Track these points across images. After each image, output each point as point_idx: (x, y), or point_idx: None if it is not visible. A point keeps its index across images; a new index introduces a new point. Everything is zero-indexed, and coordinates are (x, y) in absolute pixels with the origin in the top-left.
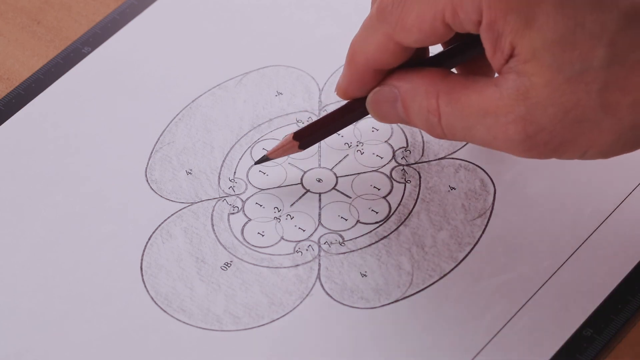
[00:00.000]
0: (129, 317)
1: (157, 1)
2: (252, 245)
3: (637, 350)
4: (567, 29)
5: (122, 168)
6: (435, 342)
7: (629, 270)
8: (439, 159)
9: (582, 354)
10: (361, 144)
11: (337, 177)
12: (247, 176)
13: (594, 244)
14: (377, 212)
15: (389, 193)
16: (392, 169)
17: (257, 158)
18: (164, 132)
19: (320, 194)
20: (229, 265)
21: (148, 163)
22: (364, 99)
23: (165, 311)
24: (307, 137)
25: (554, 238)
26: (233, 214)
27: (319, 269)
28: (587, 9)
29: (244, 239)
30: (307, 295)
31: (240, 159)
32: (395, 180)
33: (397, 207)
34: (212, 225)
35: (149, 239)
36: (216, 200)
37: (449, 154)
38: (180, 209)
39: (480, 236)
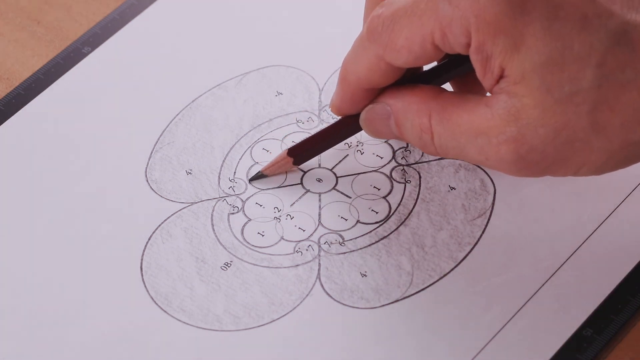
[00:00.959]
0: (129, 317)
1: (157, 1)
2: (252, 245)
3: (637, 350)
4: (556, 50)
5: (122, 168)
6: (435, 342)
7: (629, 270)
8: (439, 159)
9: (582, 354)
10: (361, 144)
11: (337, 177)
12: (247, 176)
13: (594, 244)
14: (377, 212)
15: (389, 193)
16: (392, 169)
17: (257, 158)
18: (164, 132)
19: (320, 194)
20: (229, 265)
21: (148, 163)
22: (357, 115)
23: (165, 311)
24: (301, 153)
25: (554, 238)
26: (233, 214)
27: (319, 269)
28: (575, 30)
29: (244, 239)
30: (307, 295)
31: (240, 159)
32: (395, 180)
33: (397, 207)
34: (212, 225)
35: (149, 239)
36: (216, 200)
37: None
38: (180, 209)
39: (480, 236)
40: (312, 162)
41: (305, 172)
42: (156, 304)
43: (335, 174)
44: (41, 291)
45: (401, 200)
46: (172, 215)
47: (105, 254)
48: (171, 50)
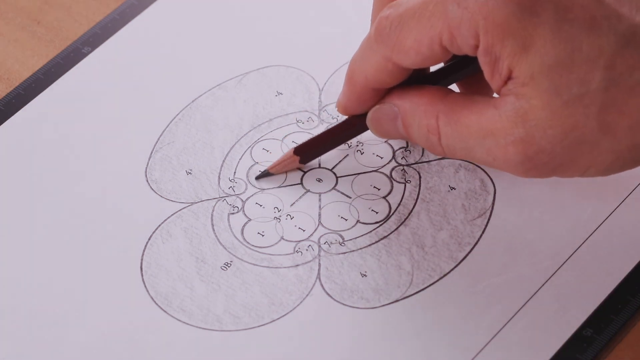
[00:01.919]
0: (129, 317)
1: (157, 1)
2: (252, 245)
3: (637, 350)
4: (565, 52)
5: (122, 168)
6: (435, 342)
7: (629, 270)
8: (439, 159)
9: (582, 354)
10: (361, 144)
11: (337, 177)
12: (247, 176)
13: (594, 244)
14: (377, 212)
15: (389, 193)
16: (392, 169)
17: (257, 158)
18: (164, 132)
19: (320, 194)
20: (229, 265)
21: (148, 163)
22: (364, 115)
23: (165, 311)
24: (307, 152)
25: (554, 238)
26: (233, 214)
27: (319, 269)
28: (584, 32)
29: (244, 239)
30: (307, 295)
31: (240, 159)
32: (395, 180)
33: (397, 207)
34: (212, 225)
35: (149, 239)
36: (216, 200)
37: None
38: (180, 209)
39: (480, 236)
40: (312, 162)
41: (305, 172)
42: (156, 304)
43: (335, 174)
44: (41, 291)
45: (401, 200)
46: (172, 215)
47: (105, 254)
48: (171, 50)
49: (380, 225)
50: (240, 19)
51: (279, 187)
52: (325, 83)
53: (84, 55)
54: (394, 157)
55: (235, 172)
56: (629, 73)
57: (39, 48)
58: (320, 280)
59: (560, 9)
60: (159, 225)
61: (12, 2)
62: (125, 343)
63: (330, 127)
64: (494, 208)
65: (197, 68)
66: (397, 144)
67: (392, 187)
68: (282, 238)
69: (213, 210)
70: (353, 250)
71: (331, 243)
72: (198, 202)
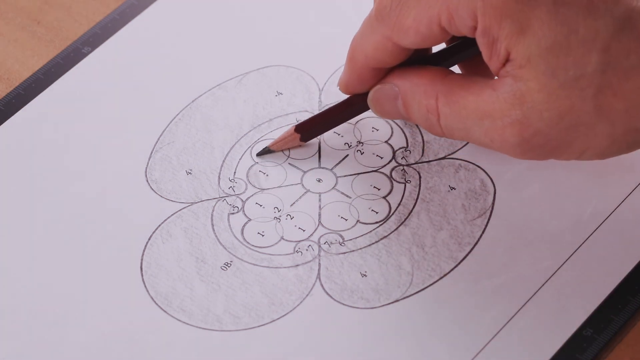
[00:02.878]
0: (129, 317)
1: (157, 1)
2: (252, 245)
3: (637, 350)
4: (561, 35)
5: (122, 168)
6: (435, 342)
7: (629, 270)
8: (439, 159)
9: (582, 354)
10: (361, 144)
11: (337, 177)
12: (247, 176)
13: (594, 244)
14: (377, 212)
15: (389, 193)
16: (392, 169)
17: (257, 158)
18: (164, 132)
19: (320, 194)
20: (229, 265)
21: (148, 163)
22: (365, 94)
23: (165, 311)
24: (308, 129)
25: (554, 238)
26: (233, 214)
27: (319, 269)
28: (581, 15)
29: (244, 239)
30: (307, 295)
31: (240, 159)
32: (395, 180)
33: (397, 207)
34: (212, 225)
35: (149, 239)
36: (216, 200)
37: (449, 154)
38: (180, 209)
39: (480, 236)
40: (312, 162)
41: (305, 172)
42: (156, 304)
43: (335, 174)
44: (41, 291)
45: (401, 200)
46: (172, 215)
47: (105, 254)
48: (171, 50)
49: (380, 225)
50: (240, 19)
51: (279, 187)
52: (325, 83)
53: (84, 55)
54: (394, 157)
55: (235, 172)
56: (625, 56)
57: (39, 48)
58: (320, 280)
59: None
60: (159, 225)
61: (12, 2)
62: (125, 343)
63: (331, 105)
64: (494, 208)
65: (197, 68)
66: (397, 143)
67: (392, 187)
68: (282, 238)
69: (213, 210)
70: (353, 250)
71: (331, 243)
72: (198, 202)
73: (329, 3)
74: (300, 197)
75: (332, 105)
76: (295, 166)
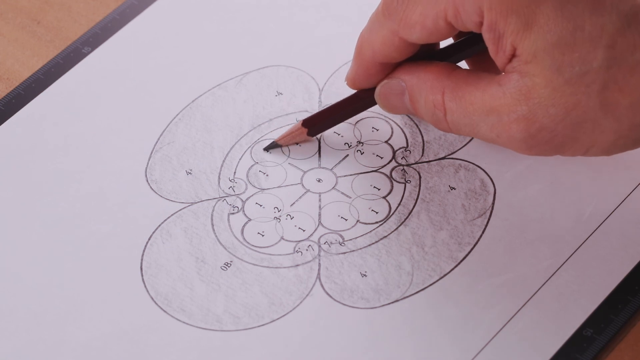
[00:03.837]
0: (129, 317)
1: (157, 1)
2: (252, 245)
3: (637, 350)
4: (567, 31)
5: (122, 168)
6: (435, 342)
7: (629, 270)
8: (439, 159)
9: (582, 354)
10: (361, 144)
11: (337, 177)
12: (247, 176)
13: (594, 244)
14: (377, 212)
15: (389, 193)
16: (392, 169)
17: (257, 158)
18: (164, 132)
19: (320, 194)
20: (229, 265)
21: (148, 163)
22: (372, 89)
23: (165, 311)
24: (315, 124)
25: (554, 238)
26: (233, 214)
27: (319, 269)
28: (587, 11)
29: (244, 239)
30: (307, 295)
31: (240, 159)
32: (395, 180)
33: (397, 207)
34: (212, 225)
35: (149, 239)
36: (216, 200)
37: (449, 154)
38: (180, 209)
39: (480, 236)
40: (312, 162)
41: (305, 172)
42: (156, 304)
43: (335, 174)
44: (41, 291)
45: (401, 200)
46: (172, 215)
47: (105, 254)
48: (171, 50)
49: (380, 225)
50: (240, 19)
51: (279, 187)
52: (325, 83)
53: (84, 55)
54: (394, 157)
55: (235, 172)
56: (631, 52)
57: (39, 48)
58: (320, 280)
59: None
60: (159, 225)
61: (12, 2)
62: (125, 343)
63: (339, 100)
64: (494, 208)
65: (197, 68)
66: (397, 143)
67: (392, 187)
68: (282, 238)
69: (213, 210)
70: (353, 250)
71: (331, 243)
72: (198, 202)
73: (329, 3)
74: (300, 197)
75: (339, 100)
76: (295, 166)
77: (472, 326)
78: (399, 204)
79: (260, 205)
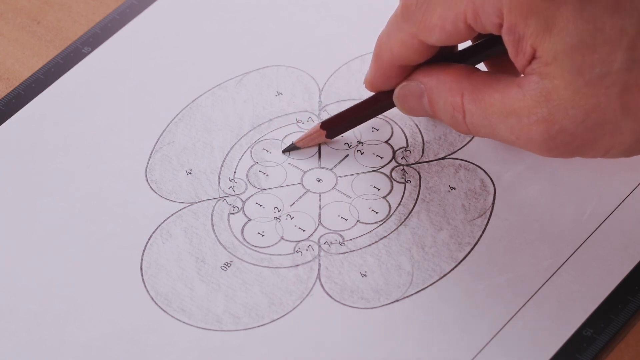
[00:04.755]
0: (129, 317)
1: (157, 1)
2: (252, 245)
3: (637, 350)
4: (587, 33)
5: (122, 168)
6: (435, 342)
7: (629, 270)
8: (439, 159)
9: (582, 354)
10: (361, 144)
11: (337, 177)
12: (247, 176)
13: (594, 244)
14: (377, 212)
15: (389, 193)
16: (392, 169)
17: (257, 158)
18: (164, 132)
19: (320, 194)
20: (229, 265)
21: (148, 163)
22: (390, 91)
23: (165, 311)
24: (334, 126)
25: (554, 238)
26: (233, 214)
27: (319, 269)
28: (607, 13)
29: (244, 239)
30: (307, 295)
31: (240, 159)
32: (395, 180)
33: (397, 207)
34: (212, 225)
35: (149, 239)
36: (216, 200)
37: (449, 154)
38: (180, 209)
39: (480, 236)
40: (312, 162)
41: (305, 172)
42: (156, 304)
43: (335, 174)
44: (41, 291)
45: (401, 200)
46: (172, 215)
47: (105, 254)
48: (171, 50)
49: (380, 225)
50: (240, 19)
51: (279, 187)
52: (325, 83)
53: (84, 55)
54: (394, 157)
55: (235, 172)
56: None
57: (39, 48)
58: (320, 280)
59: None
60: (159, 225)
61: (12, 2)
62: (125, 343)
63: (357, 102)
64: (494, 208)
65: (197, 68)
66: (397, 143)
67: (392, 187)
68: (282, 238)
69: (213, 210)
70: (353, 250)
71: (331, 243)
72: (198, 202)
73: (329, 3)
74: (300, 197)
75: (358, 102)
76: (295, 166)
77: (472, 326)
78: (399, 204)
79: (260, 205)
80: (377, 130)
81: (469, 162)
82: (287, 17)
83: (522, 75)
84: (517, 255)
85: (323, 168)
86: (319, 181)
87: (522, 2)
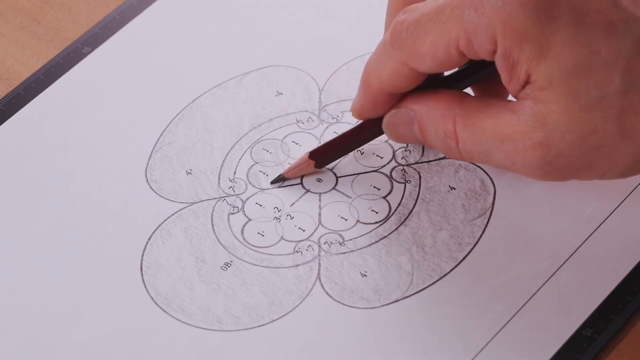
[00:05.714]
0: (129, 317)
1: (157, 1)
2: (252, 245)
3: (637, 350)
4: (583, 57)
5: (122, 168)
6: (435, 342)
7: (629, 270)
8: (439, 159)
9: (582, 354)
10: None
11: (337, 177)
12: (247, 176)
13: (594, 244)
14: (377, 212)
15: (389, 193)
16: (392, 169)
17: (257, 158)
18: (164, 132)
19: (320, 194)
20: (229, 265)
21: (148, 163)
22: (379, 119)
23: (165, 311)
24: (322, 156)
25: (554, 238)
26: (233, 214)
27: (319, 269)
28: (602, 36)
29: (244, 239)
30: (307, 295)
31: (240, 159)
32: (395, 180)
33: (397, 207)
34: (212, 225)
35: (149, 239)
36: (216, 200)
37: None
38: (180, 209)
39: (480, 236)
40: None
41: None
42: (156, 304)
43: (335, 174)
44: (41, 291)
45: (401, 200)
46: (172, 215)
47: (105, 254)
48: (171, 50)
49: (380, 225)
50: (240, 19)
51: (279, 187)
52: (325, 83)
53: (84, 55)
54: (394, 157)
55: (235, 172)
56: None
57: (39, 48)
58: (320, 280)
59: (577, 14)
60: (159, 225)
61: (12, 2)
62: (125, 343)
63: (345, 131)
64: (494, 208)
65: (197, 68)
66: (397, 144)
67: (392, 187)
68: (282, 238)
69: (213, 210)
70: (353, 250)
71: (331, 243)
72: (198, 202)
73: (329, 3)
74: (300, 197)
75: (345, 131)
76: None
77: (472, 326)
78: (399, 204)
79: (260, 205)
80: None
81: (472, 163)
82: (287, 17)
83: (511, 99)
84: (517, 255)
85: (323, 168)
86: (319, 181)
87: (516, 28)
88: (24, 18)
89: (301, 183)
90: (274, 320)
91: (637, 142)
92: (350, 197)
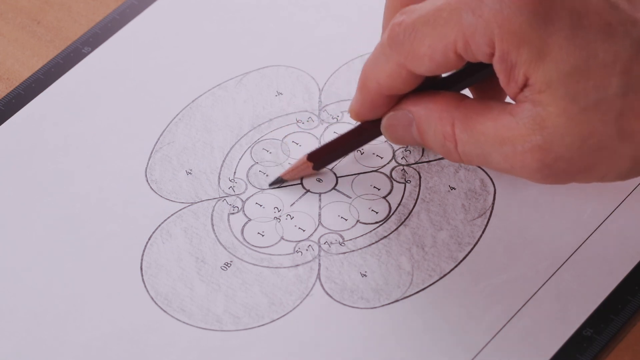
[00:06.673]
0: (129, 317)
1: (157, 1)
2: (252, 245)
3: (637, 350)
4: (581, 59)
5: (122, 168)
6: (435, 342)
7: (629, 270)
8: (439, 159)
9: (582, 354)
10: None
11: (337, 177)
12: (247, 176)
13: (594, 244)
14: (377, 212)
15: (389, 193)
16: (392, 169)
17: (257, 158)
18: (164, 132)
19: (320, 194)
20: (229, 265)
21: (148, 163)
22: (377, 120)
23: (165, 311)
24: (321, 158)
25: (554, 238)
26: (233, 214)
27: (319, 269)
28: (599, 38)
29: (244, 239)
30: (307, 295)
31: (240, 159)
32: (395, 180)
33: (397, 207)
34: (212, 225)
35: (149, 239)
36: (216, 200)
37: None
38: (180, 209)
39: (480, 236)
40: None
41: None
42: (156, 304)
43: (335, 174)
44: (41, 291)
45: (401, 200)
46: (172, 215)
47: (105, 254)
48: (171, 50)
49: (380, 225)
50: (240, 19)
51: (279, 187)
52: (325, 83)
53: (84, 55)
54: (394, 157)
55: (235, 172)
56: None
57: (39, 48)
58: (320, 280)
59: (575, 16)
60: (159, 225)
61: (12, 2)
62: (125, 343)
63: (343, 133)
64: (494, 208)
65: (197, 68)
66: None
67: (392, 187)
68: (282, 238)
69: (213, 210)
70: (353, 250)
71: (331, 243)
72: (198, 202)
73: (329, 3)
74: (300, 197)
75: (344, 132)
76: None
77: (472, 326)
78: (399, 204)
79: (260, 205)
80: None
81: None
82: (287, 17)
83: (510, 101)
84: (517, 255)
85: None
86: (319, 181)
87: (514, 31)
88: (24, 18)
89: (301, 183)
90: (274, 320)
91: (637, 144)
92: (350, 197)
